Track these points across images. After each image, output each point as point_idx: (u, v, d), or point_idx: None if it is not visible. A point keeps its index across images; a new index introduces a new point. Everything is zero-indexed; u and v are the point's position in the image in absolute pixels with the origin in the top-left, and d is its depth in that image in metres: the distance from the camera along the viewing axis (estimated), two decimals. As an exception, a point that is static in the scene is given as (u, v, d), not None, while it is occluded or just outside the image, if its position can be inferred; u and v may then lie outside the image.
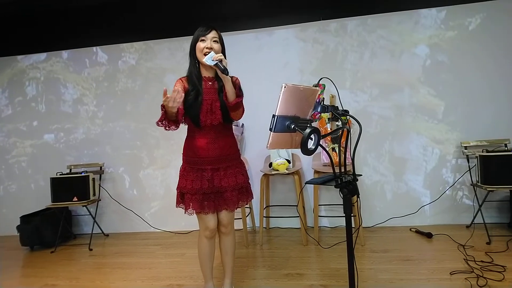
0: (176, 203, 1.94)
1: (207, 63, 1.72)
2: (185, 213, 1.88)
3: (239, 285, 2.25)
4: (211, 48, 1.76)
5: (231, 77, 1.84)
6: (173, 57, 3.66)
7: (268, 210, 3.44)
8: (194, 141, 1.87)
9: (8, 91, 3.95)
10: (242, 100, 1.81)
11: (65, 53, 3.86)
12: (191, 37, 1.85)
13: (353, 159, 1.35)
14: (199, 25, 1.89)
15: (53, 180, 3.40)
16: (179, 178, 1.92)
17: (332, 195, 3.36)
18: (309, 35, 3.43)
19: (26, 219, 3.39)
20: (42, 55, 3.89)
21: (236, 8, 3.55)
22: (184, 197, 1.88)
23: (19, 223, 3.38)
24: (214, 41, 1.80)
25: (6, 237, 3.78)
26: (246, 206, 2.99)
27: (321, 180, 1.40)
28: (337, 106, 1.41)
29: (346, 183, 1.30)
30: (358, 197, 1.36)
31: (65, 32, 3.83)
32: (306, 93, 1.27)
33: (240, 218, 2.98)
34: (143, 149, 3.75)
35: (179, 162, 1.97)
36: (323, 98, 1.37)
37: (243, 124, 3.47)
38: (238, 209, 2.00)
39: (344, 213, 1.33)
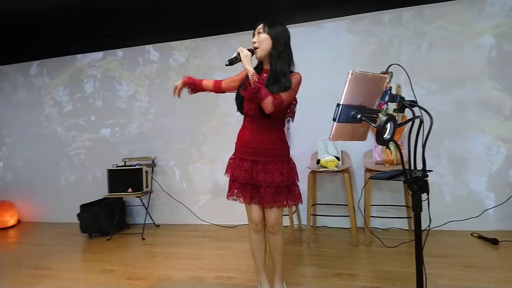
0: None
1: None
2: (227, 197, 1.93)
3: (289, 281, 2.23)
4: (255, 42, 1.81)
5: (293, 74, 1.83)
6: (221, 54, 3.70)
7: (315, 208, 3.37)
8: (242, 131, 1.96)
9: (68, 88, 4.24)
10: (260, 90, 1.68)
11: (120, 52, 4.06)
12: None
13: (423, 154, 1.26)
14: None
15: (110, 172, 3.61)
16: (227, 165, 2.00)
17: (384, 195, 3.21)
18: (360, 27, 3.29)
19: (85, 208, 3.64)
20: (99, 54, 4.13)
21: (283, 2, 3.50)
22: (228, 183, 1.95)
23: (79, 211, 3.63)
24: (259, 32, 1.82)
25: (67, 224, 4.08)
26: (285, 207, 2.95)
27: (388, 175, 1.32)
28: (404, 97, 1.32)
29: (416, 179, 1.21)
30: (428, 194, 1.26)
31: (120, 32, 4.01)
32: (374, 80, 1.20)
33: (287, 215, 2.95)
34: (192, 144, 3.85)
35: (225, 157, 2.02)
36: (391, 87, 1.29)
37: (289, 120, 3.42)
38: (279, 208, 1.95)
39: (412, 211, 1.24)
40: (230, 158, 1.99)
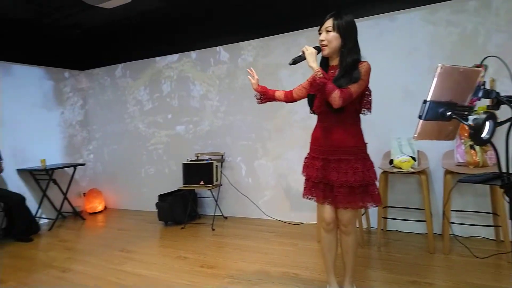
0: None
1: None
2: (302, 196, 1.96)
3: (359, 284, 2.17)
4: (323, 40, 1.78)
5: (361, 62, 1.79)
6: (288, 52, 3.71)
7: (386, 211, 3.22)
8: (315, 129, 1.96)
9: (148, 88, 4.64)
10: (326, 85, 1.66)
11: (193, 54, 4.32)
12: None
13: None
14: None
15: (184, 166, 3.88)
16: (303, 164, 2.01)
17: (466, 200, 2.93)
18: (440, 17, 3.04)
19: (162, 198, 3.96)
20: (175, 56, 4.44)
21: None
22: (304, 182, 1.98)
23: (157, 201, 3.97)
24: (328, 31, 1.77)
25: (146, 212, 4.49)
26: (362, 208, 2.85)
27: (481, 178, 1.21)
28: (499, 92, 1.19)
29: (516, 184, 1.09)
30: (529, 202, 1.13)
31: (194, 35, 4.26)
32: (466, 75, 1.11)
33: (356, 215, 2.86)
34: (258, 141, 3.95)
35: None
36: (484, 81, 1.18)
37: (365, 112, 3.30)
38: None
39: (510, 219, 1.12)
40: (305, 158, 2.01)
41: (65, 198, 4.30)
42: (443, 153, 2.92)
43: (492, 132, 1.04)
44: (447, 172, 2.63)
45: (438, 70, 1.04)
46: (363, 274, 2.35)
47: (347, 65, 1.75)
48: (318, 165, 1.85)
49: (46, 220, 4.29)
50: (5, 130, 4.02)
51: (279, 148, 3.82)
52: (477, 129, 0.99)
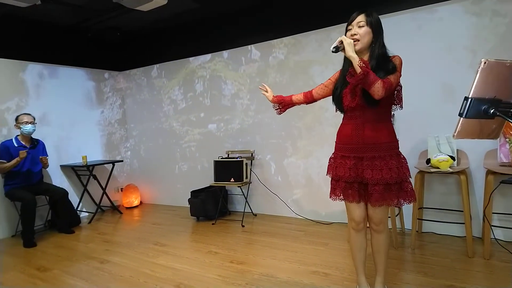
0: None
1: (331, 51, 1.73)
2: (330, 197, 1.90)
3: (391, 287, 2.11)
4: (356, 35, 1.74)
5: (393, 57, 1.76)
6: (321, 48, 3.66)
7: (421, 212, 3.09)
8: (342, 127, 1.90)
9: (183, 88, 4.76)
10: (368, 75, 1.61)
11: (225, 53, 4.37)
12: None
13: None
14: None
15: (216, 163, 3.95)
16: (328, 164, 1.96)
17: (510, 202, 2.75)
18: (485, 7, 2.85)
19: (194, 194, 4.07)
20: (208, 56, 4.52)
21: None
22: (331, 183, 1.92)
23: (189, 197, 4.07)
24: (360, 26, 1.74)
25: (180, 207, 4.63)
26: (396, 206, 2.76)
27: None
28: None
29: None
30: None
31: (226, 34, 4.33)
32: (513, 70, 1.04)
33: (389, 217, 2.77)
34: (287, 139, 3.93)
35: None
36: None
37: (393, 114, 3.20)
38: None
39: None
40: (330, 158, 1.95)
41: (104, 192, 4.53)
42: (485, 152, 2.76)
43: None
44: (489, 172, 2.47)
45: (482, 65, 0.98)
46: (396, 276, 2.28)
47: (380, 56, 1.74)
48: (350, 164, 1.80)
49: (86, 214, 4.55)
50: (50, 128, 4.31)
51: (309, 146, 3.78)
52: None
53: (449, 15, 3.00)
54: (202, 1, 3.77)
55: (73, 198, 4.37)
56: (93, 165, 4.33)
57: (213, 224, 3.81)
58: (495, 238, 2.77)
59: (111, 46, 5.05)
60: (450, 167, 2.60)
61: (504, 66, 1.01)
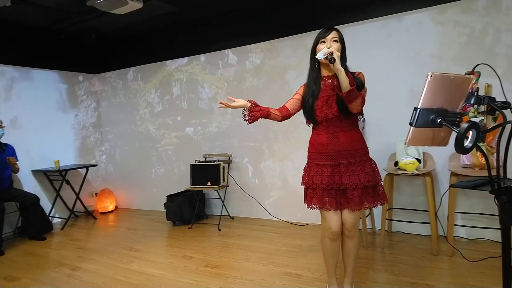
0: (304, 199, 1.98)
1: (318, 58, 1.80)
2: (307, 207, 1.92)
3: (359, 285, 2.18)
4: (331, 48, 1.79)
5: (354, 73, 1.88)
6: (295, 54, 3.74)
7: (391, 213, 3.20)
8: (315, 137, 1.95)
9: (159, 91, 4.73)
10: (355, 90, 1.72)
11: (202, 57, 4.38)
12: (313, 32, 1.89)
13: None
14: (322, 19, 1.92)
15: (192, 167, 3.95)
16: (303, 174, 1.98)
17: (473, 202, 2.89)
18: (448, 17, 3.00)
19: (171, 198, 4.04)
20: (185, 59, 4.51)
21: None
22: (307, 192, 1.93)
23: (165, 201, 4.04)
24: (334, 40, 1.83)
25: (156, 212, 4.58)
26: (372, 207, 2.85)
27: (472, 183, 1.21)
28: (495, 98, 1.19)
29: (505, 189, 1.09)
30: (519, 206, 1.13)
31: (203, 38, 4.34)
32: (457, 82, 1.12)
33: (360, 218, 2.86)
34: (264, 142, 3.98)
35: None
36: (477, 88, 1.19)
37: (364, 119, 3.30)
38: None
39: (500, 224, 1.12)
40: (305, 168, 1.98)
41: (78, 198, 4.43)
42: (450, 155, 2.89)
43: (475, 141, 1.05)
44: (453, 174, 2.60)
45: (429, 78, 1.05)
46: (364, 275, 2.36)
47: (355, 75, 1.85)
48: (327, 172, 1.84)
49: (59, 220, 4.44)
50: (21, 132, 4.18)
51: (286, 149, 3.84)
52: (459, 138, 1.00)
53: (416, 24, 3.13)
54: (179, 5, 3.77)
55: (46, 204, 4.25)
56: (66, 170, 4.23)
57: (189, 228, 3.79)
58: (459, 237, 2.93)
59: (86, 48, 4.95)
60: (416, 169, 2.72)
61: (449, 79, 1.08)
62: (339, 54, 1.76)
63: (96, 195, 4.99)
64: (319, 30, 1.90)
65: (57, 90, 4.69)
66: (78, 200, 4.43)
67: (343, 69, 1.73)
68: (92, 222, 4.40)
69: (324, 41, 1.83)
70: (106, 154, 5.26)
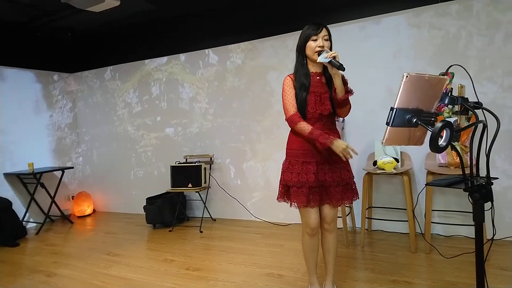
0: (278, 197, 1.98)
1: (322, 61, 1.76)
2: (290, 206, 1.93)
3: (341, 284, 2.20)
4: (322, 47, 1.80)
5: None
6: (276, 54, 3.75)
7: (371, 211, 3.26)
8: (300, 134, 1.90)
9: (138, 91, 4.63)
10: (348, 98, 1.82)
11: (182, 56, 4.32)
12: (294, 33, 1.88)
13: (487, 161, 1.16)
14: (301, 20, 1.92)
15: (173, 168, 3.89)
16: (283, 172, 1.94)
17: (448, 200, 2.99)
18: (424, 20, 3.09)
19: (150, 201, 3.96)
20: (164, 59, 4.44)
21: (339, -1, 3.43)
22: (289, 191, 1.90)
23: (145, 204, 3.96)
24: (325, 39, 1.83)
25: (135, 215, 4.48)
26: (346, 205, 2.89)
27: (447, 182, 1.24)
28: (467, 98, 1.23)
29: (478, 187, 1.13)
30: (492, 204, 1.17)
31: (183, 37, 4.28)
32: (432, 83, 1.14)
33: (340, 217, 2.89)
34: (247, 142, 3.97)
35: (278, 156, 2.03)
36: (451, 88, 1.22)
37: (344, 119, 3.35)
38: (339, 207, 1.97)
39: (473, 220, 1.16)
40: (288, 164, 1.92)
41: (53, 201, 4.28)
42: (426, 154, 2.97)
43: (449, 139, 1.08)
44: (429, 173, 2.67)
45: (404, 78, 1.07)
46: (345, 274, 2.38)
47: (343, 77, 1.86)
48: (313, 169, 1.84)
49: (34, 224, 4.27)
50: (-9, 134, 4.00)
51: (268, 149, 3.84)
52: (433, 137, 1.02)
53: (393, 26, 3.20)
54: (158, 3, 3.70)
55: (19, 208, 4.09)
56: (41, 173, 4.08)
57: (170, 231, 3.73)
58: (436, 234, 3.01)
59: (61, 47, 4.79)
60: (394, 168, 2.78)
61: (424, 79, 1.11)
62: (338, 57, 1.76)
63: (72, 199, 4.83)
64: (305, 27, 1.86)
65: (31, 90, 4.51)
66: (53, 204, 4.28)
67: (341, 74, 1.77)
68: (68, 227, 4.26)
69: (315, 39, 1.81)
70: (83, 156, 5.10)
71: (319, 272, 2.22)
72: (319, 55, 1.77)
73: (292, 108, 1.86)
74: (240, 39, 3.95)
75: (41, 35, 4.38)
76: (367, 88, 3.19)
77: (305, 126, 1.82)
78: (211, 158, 4.04)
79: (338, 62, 1.71)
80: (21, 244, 3.59)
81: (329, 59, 1.71)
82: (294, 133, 1.95)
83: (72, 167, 4.73)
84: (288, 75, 1.93)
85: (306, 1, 3.55)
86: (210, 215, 4.07)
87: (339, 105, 1.81)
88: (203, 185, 3.76)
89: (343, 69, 1.69)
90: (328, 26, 1.89)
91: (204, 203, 3.94)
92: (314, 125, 1.84)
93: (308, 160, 1.86)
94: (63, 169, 4.39)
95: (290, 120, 1.87)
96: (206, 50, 4.16)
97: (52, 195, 4.26)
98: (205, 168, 3.81)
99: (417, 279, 2.24)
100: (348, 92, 1.81)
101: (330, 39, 1.86)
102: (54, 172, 4.40)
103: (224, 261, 2.80)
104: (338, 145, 1.75)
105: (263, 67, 3.82)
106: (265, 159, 3.86)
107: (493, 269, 2.29)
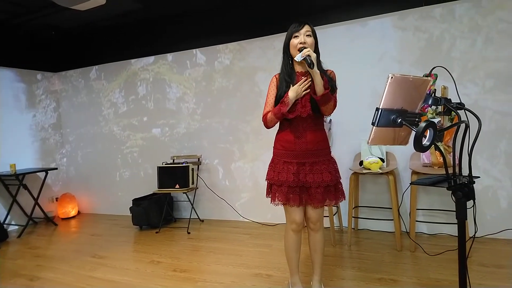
0: (266, 193, 2.01)
1: (296, 59, 1.79)
2: (271, 203, 1.94)
3: (328, 283, 2.22)
4: (304, 43, 1.80)
5: (327, 70, 1.88)
6: (264, 55, 3.76)
7: (357, 211, 3.30)
8: (283, 134, 1.95)
9: (124, 91, 4.57)
10: (330, 93, 1.78)
11: (170, 56, 4.29)
12: (282, 34, 1.89)
13: (469, 160, 1.20)
14: (288, 21, 1.93)
15: (159, 169, 3.84)
16: (268, 169, 1.99)
17: (432, 199, 3.05)
18: (409, 23, 3.15)
19: (137, 202, 3.91)
20: (151, 58, 4.39)
21: (325, 2, 3.46)
22: (271, 188, 1.95)
23: (131, 205, 3.91)
24: (307, 35, 1.83)
25: (121, 216, 4.42)
26: (333, 205, 2.92)
27: (430, 181, 1.27)
28: (450, 99, 1.26)
29: (461, 186, 1.16)
30: (474, 202, 1.20)
31: (170, 37, 4.24)
32: (416, 84, 1.17)
33: (327, 216, 2.92)
34: (235, 143, 3.96)
35: (267, 156, 2.04)
36: (435, 89, 1.25)
37: (330, 120, 3.39)
38: (326, 206, 1.98)
39: (456, 218, 1.19)
40: (272, 162, 1.98)
41: (36, 203, 4.17)
42: (411, 154, 3.03)
43: (432, 139, 1.11)
44: (414, 172, 2.73)
45: (389, 79, 1.09)
46: (332, 272, 2.41)
47: (322, 70, 1.83)
48: (293, 169, 1.86)
49: (16, 227, 4.16)
50: (-29, 134, 3.88)
51: (257, 150, 3.85)
52: (417, 137, 1.05)
53: (379, 29, 3.25)
54: (144, 2, 3.67)
55: (0, 210, 3.97)
56: (24, 174, 3.97)
57: (157, 232, 3.69)
58: (420, 232, 3.07)
59: (45, 45, 4.69)
60: (380, 168, 2.82)
61: (408, 80, 1.13)
62: (315, 56, 1.77)
63: (56, 200, 4.73)
64: (291, 25, 1.87)
65: (13, 89, 4.39)
66: (37, 206, 4.17)
67: (318, 71, 1.75)
68: (52, 229, 4.16)
69: (297, 36, 1.82)
70: (67, 157, 5.00)
71: (306, 271, 2.24)
72: (300, 51, 1.78)
73: (268, 107, 1.92)
74: (228, 40, 3.94)
75: (24, 33, 4.28)
76: (354, 89, 3.24)
77: (269, 115, 1.88)
78: (199, 159, 4.01)
79: (309, 59, 1.72)
80: (1, 248, 3.49)
81: (303, 57, 1.74)
82: (279, 133, 1.98)
83: (56, 168, 4.63)
84: (275, 75, 1.95)
85: (294, 3, 3.58)
86: (198, 216, 4.05)
87: (319, 103, 1.78)
88: (190, 186, 3.74)
89: (312, 67, 1.72)
90: (315, 28, 1.91)
91: (192, 204, 3.91)
92: (298, 125, 1.87)
93: (289, 160, 1.88)
94: (46, 170, 4.29)
95: (263, 120, 1.94)
96: (194, 50, 4.13)
97: (36, 196, 4.16)
98: (192, 169, 3.79)
99: (402, 276, 2.28)
100: (327, 89, 1.77)
101: (314, 36, 1.85)
102: (38, 173, 4.30)
103: (212, 262, 2.79)
104: (294, 90, 1.80)
105: (251, 68, 3.82)
106: (254, 159, 3.87)
107: (475, 265, 2.36)
